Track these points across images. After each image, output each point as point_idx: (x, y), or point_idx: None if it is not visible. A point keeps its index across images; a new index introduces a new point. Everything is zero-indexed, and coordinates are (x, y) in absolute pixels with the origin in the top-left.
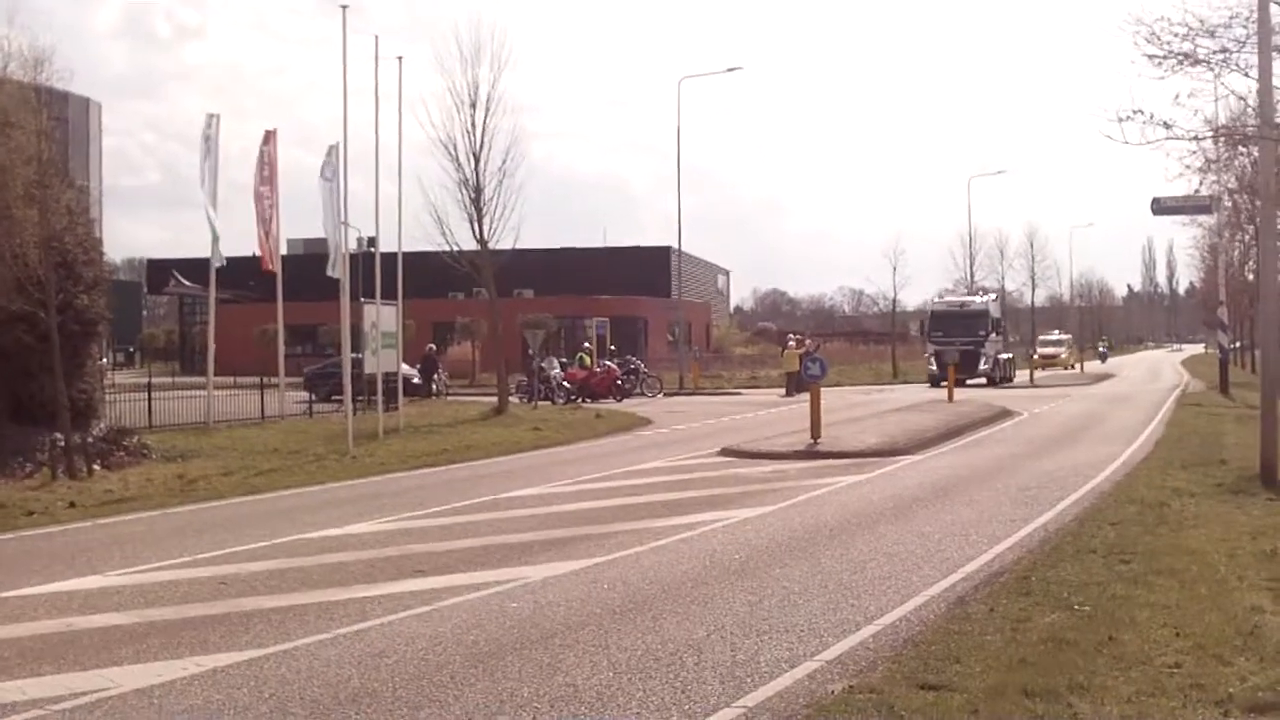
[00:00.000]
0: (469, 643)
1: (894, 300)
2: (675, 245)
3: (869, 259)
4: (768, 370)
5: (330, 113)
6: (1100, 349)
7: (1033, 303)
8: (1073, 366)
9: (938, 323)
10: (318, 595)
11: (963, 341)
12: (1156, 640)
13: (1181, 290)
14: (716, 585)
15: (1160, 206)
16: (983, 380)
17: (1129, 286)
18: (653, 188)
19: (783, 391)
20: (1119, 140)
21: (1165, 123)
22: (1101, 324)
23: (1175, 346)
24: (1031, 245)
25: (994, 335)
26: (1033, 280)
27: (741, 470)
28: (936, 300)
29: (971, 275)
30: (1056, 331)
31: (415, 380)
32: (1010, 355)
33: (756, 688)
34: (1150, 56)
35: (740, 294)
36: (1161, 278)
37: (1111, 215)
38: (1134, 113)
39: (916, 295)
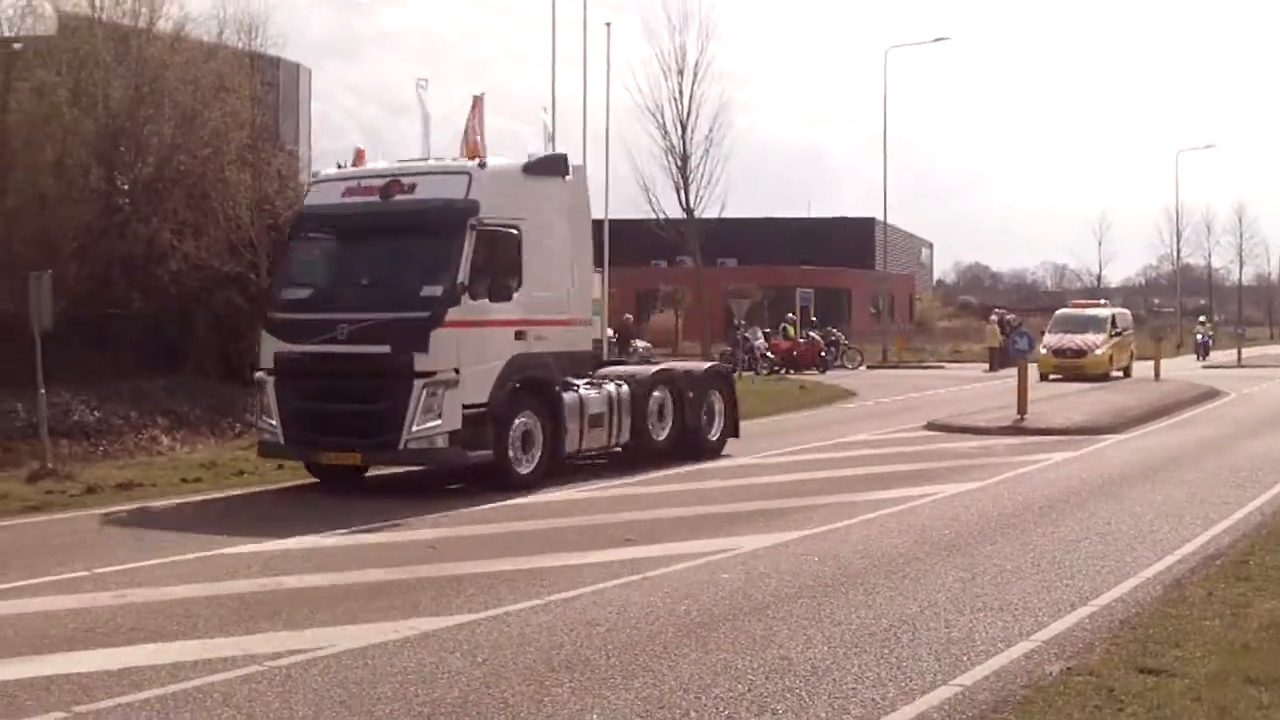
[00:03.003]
0: (681, 612)
1: (1098, 276)
2: (880, 217)
3: (1072, 233)
4: (970, 344)
5: (528, 79)
6: (1200, 335)
7: (1240, 280)
8: (1119, 371)
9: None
10: (528, 561)
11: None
12: None
13: None
14: (928, 561)
15: None
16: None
17: None
18: (854, 158)
19: (986, 366)
20: None
21: None
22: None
23: None
24: (1240, 221)
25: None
26: (1240, 258)
27: (947, 445)
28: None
29: (1178, 252)
30: (1104, 302)
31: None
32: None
33: (972, 666)
34: None
35: (942, 267)
36: None
37: None
38: None
39: (1121, 271)
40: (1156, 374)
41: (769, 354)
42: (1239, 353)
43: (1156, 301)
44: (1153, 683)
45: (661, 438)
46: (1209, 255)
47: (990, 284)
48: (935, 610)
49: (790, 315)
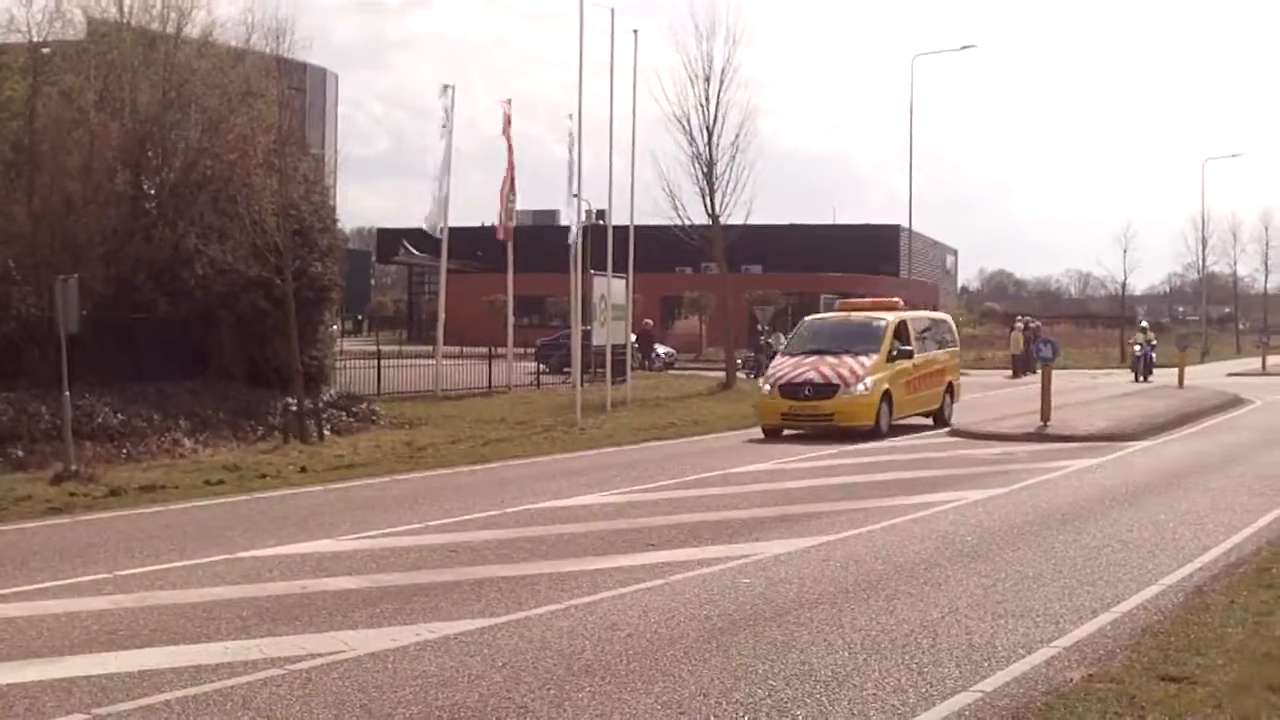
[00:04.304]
0: (702, 617)
1: (1123, 283)
2: (905, 224)
3: (1096, 241)
4: (994, 351)
5: (555, 85)
6: (1138, 348)
7: (1265, 289)
8: (925, 417)
9: None
10: (549, 566)
11: None
12: None
13: None
14: (950, 567)
15: None
16: None
17: None
18: (880, 165)
19: (1009, 373)
20: None
21: None
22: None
23: None
24: (1266, 230)
25: None
26: (1266, 266)
27: (971, 451)
28: None
29: (1203, 260)
30: (898, 302)
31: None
32: None
33: (993, 672)
34: None
35: (967, 274)
36: None
37: None
38: None
39: (1146, 279)
40: (1180, 380)
41: None
42: (1263, 361)
43: (1181, 310)
44: (1174, 690)
45: None
46: (1235, 263)
47: (1014, 291)
48: (956, 616)
49: None
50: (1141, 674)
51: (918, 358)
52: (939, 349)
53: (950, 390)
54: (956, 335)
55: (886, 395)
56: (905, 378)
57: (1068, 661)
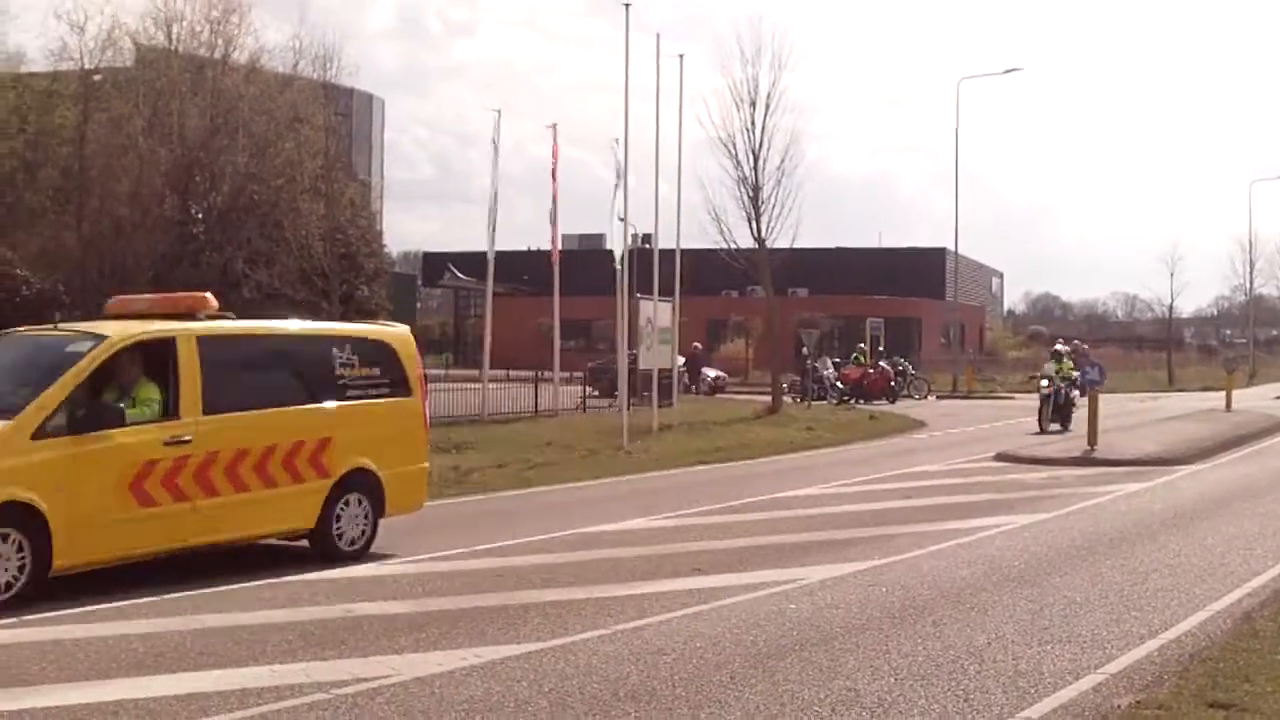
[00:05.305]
0: (748, 643)
1: (1170, 306)
2: (950, 247)
3: (1142, 264)
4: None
5: (601, 111)
6: (1046, 382)
7: None
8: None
9: None
10: (595, 590)
11: None
12: None
13: None
14: (996, 592)
15: None
16: None
17: None
18: (924, 188)
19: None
20: None
21: None
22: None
23: None
24: None
25: None
26: None
27: (1017, 476)
28: None
29: (1251, 282)
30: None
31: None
32: None
33: (1040, 698)
34: None
35: (1012, 297)
36: None
37: None
38: None
39: (1193, 301)
40: (1228, 404)
41: (839, 383)
42: None
43: (1228, 332)
44: (1222, 717)
45: None
46: None
47: (1060, 314)
48: (1003, 642)
49: (861, 345)
50: (1190, 701)
51: (224, 419)
52: (342, 398)
53: (363, 483)
54: (410, 369)
55: (20, 515)
56: (125, 471)
57: (1115, 688)
